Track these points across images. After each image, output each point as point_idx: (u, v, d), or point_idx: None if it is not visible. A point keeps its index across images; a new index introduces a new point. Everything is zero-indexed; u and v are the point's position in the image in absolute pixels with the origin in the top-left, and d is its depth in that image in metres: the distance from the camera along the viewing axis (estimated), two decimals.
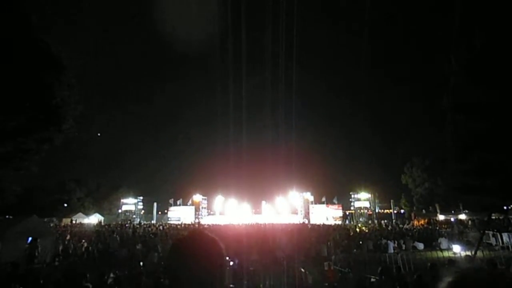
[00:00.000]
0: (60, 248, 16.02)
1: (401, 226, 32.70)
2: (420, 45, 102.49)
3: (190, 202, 51.08)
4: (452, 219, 35.06)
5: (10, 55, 11.08)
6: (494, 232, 18.72)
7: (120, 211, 50.65)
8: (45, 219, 33.83)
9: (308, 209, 47.74)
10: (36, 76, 11.90)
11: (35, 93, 12.04)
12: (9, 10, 11.17)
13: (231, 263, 9.34)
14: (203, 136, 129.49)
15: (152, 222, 44.80)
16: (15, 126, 12.12)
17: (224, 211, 51.88)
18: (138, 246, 15.59)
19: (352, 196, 47.70)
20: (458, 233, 22.11)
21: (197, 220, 45.86)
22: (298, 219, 45.64)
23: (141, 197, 52.15)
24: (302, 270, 9.99)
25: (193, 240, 1.09)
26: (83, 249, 16.69)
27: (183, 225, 36.41)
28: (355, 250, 16.63)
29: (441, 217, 37.23)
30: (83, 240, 18.25)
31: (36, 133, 12.96)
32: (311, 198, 49.03)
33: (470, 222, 31.12)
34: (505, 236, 16.98)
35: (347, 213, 49.98)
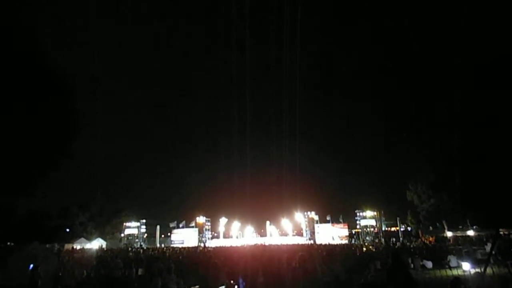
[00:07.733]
0: (60, 275, 15.73)
1: (408, 244, 32.02)
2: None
3: (193, 224, 50.46)
4: (461, 235, 34.29)
5: (24, 84, 11.39)
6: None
7: (122, 235, 49.99)
8: (47, 245, 33.45)
9: (313, 228, 46.94)
10: (44, 102, 12.18)
11: (43, 119, 12.28)
12: (21, 42, 11.60)
13: (236, 287, 9.14)
14: (206, 158, 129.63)
15: (156, 245, 44.21)
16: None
17: (228, 233, 51.11)
18: (140, 272, 15.30)
19: (358, 214, 46.87)
20: (467, 250, 21.60)
21: (201, 244, 45.08)
22: (304, 240, 44.80)
23: (144, 220, 51.47)
24: None
25: None
26: (84, 275, 16.38)
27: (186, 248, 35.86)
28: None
29: (449, 234, 36.46)
30: (87, 268, 17.88)
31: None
32: (316, 217, 48.33)
33: (482, 237, 30.40)
34: None
35: (353, 232, 49.07)
